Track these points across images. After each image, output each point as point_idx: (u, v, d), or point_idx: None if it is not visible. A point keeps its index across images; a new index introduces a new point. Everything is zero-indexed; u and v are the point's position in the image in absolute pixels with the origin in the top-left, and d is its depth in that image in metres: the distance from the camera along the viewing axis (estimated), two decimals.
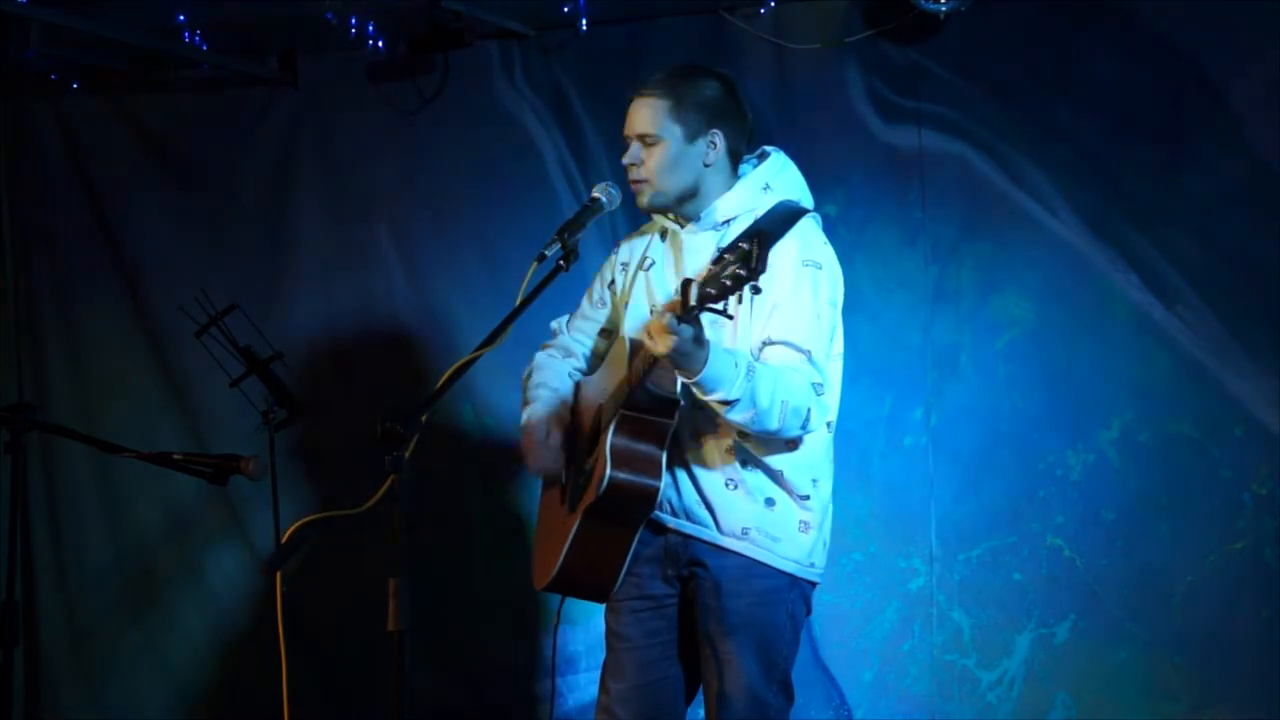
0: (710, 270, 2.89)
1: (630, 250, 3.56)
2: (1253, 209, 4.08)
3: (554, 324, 3.70)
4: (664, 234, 3.48)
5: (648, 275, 3.46)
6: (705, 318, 2.98)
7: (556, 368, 3.61)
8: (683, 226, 3.41)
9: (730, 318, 2.96)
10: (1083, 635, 4.22)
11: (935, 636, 4.36)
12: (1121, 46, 4.20)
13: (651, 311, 3.39)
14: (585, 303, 3.65)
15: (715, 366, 3.05)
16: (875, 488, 4.42)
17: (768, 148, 3.46)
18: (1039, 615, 4.26)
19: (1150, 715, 4.15)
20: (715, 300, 2.88)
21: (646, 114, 3.34)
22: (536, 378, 3.61)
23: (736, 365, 3.09)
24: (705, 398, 3.11)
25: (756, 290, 2.88)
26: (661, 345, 2.99)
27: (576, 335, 3.64)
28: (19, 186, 5.49)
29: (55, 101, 5.38)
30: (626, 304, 3.49)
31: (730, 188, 3.37)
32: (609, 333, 3.60)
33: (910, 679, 4.39)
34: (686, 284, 2.92)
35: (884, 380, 4.41)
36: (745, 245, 2.83)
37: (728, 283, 2.85)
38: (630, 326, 3.43)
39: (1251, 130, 4.07)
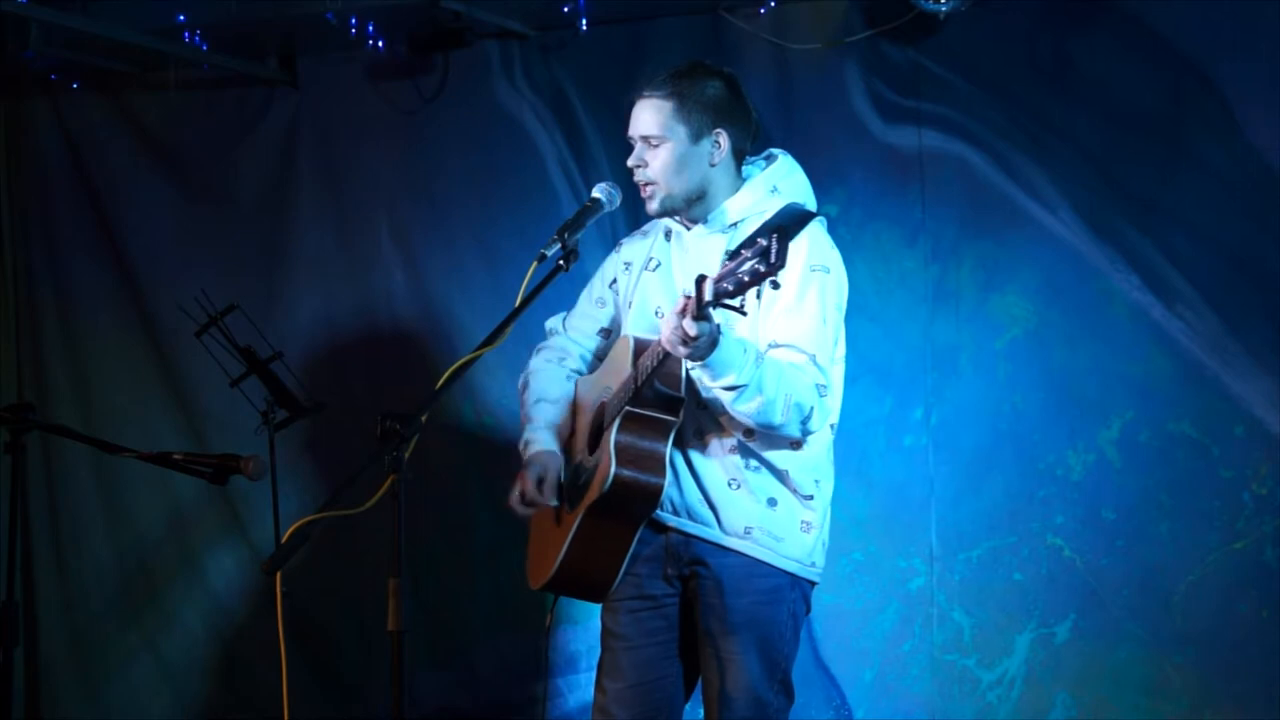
0: (726, 266, 2.90)
1: (634, 250, 3.55)
2: (1253, 209, 4.08)
3: (549, 323, 3.67)
4: (668, 235, 3.48)
5: (653, 276, 3.46)
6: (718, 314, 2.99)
7: (553, 374, 3.58)
8: (689, 228, 3.42)
9: (744, 314, 2.95)
10: (1083, 635, 4.23)
11: (935, 636, 4.36)
12: (1121, 46, 4.20)
13: (656, 313, 3.40)
14: (584, 302, 3.63)
15: (725, 351, 3.06)
16: (875, 488, 4.42)
17: (775, 150, 3.46)
18: (1039, 615, 4.27)
19: (1150, 715, 4.15)
20: (732, 296, 2.88)
21: (650, 115, 3.34)
22: (535, 388, 3.55)
23: (745, 351, 3.11)
24: (713, 383, 3.12)
25: (776, 285, 2.88)
26: (678, 342, 3.00)
27: (574, 335, 3.62)
28: (19, 186, 5.50)
29: (55, 101, 5.39)
30: (630, 304, 3.48)
31: (736, 189, 3.38)
32: (608, 332, 3.59)
33: (911, 679, 4.39)
34: (701, 280, 2.92)
35: (884, 380, 4.41)
36: (763, 241, 2.84)
37: (745, 278, 2.86)
38: (634, 326, 3.42)
39: (1251, 130, 4.07)
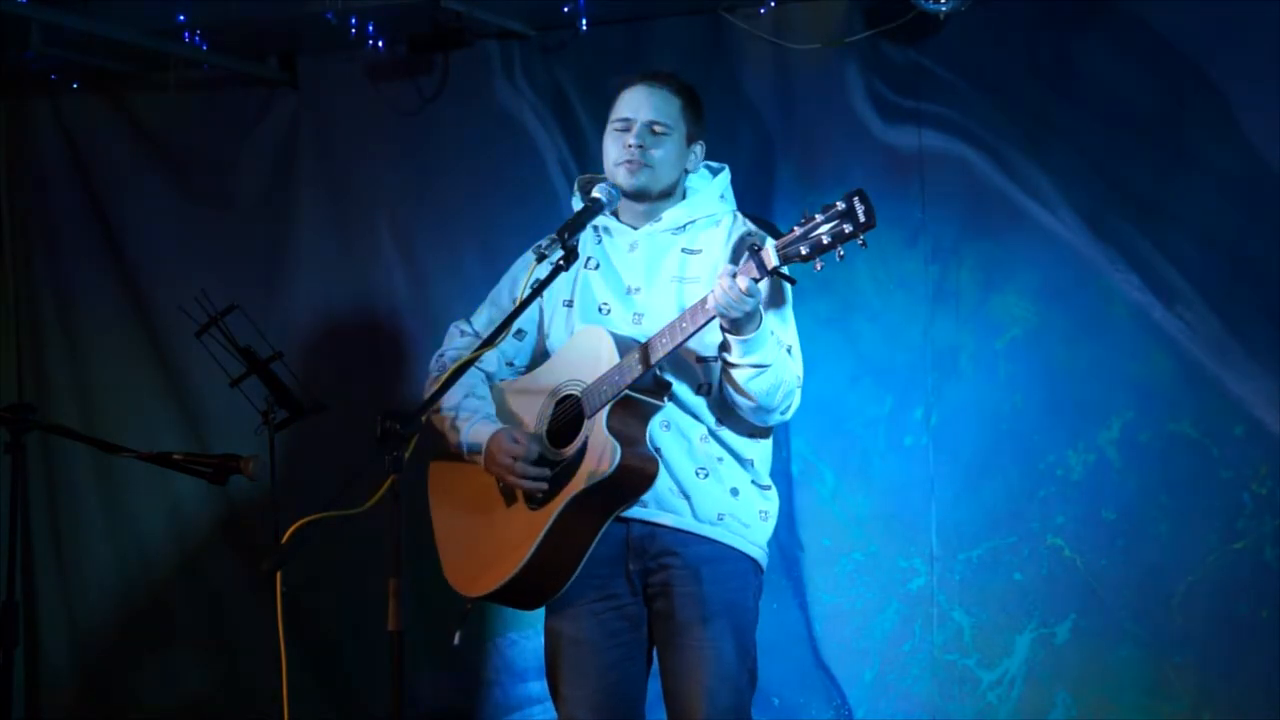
0: (795, 232, 3.01)
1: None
2: (1253, 209, 4.08)
3: (460, 326, 3.64)
4: (598, 235, 3.49)
5: (595, 274, 3.47)
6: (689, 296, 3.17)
7: (473, 374, 3.54)
8: (636, 228, 3.45)
9: (794, 281, 3.12)
10: (1083, 635, 4.23)
11: (936, 636, 4.36)
12: (1121, 46, 4.20)
13: (601, 310, 3.42)
14: (503, 301, 3.60)
15: (763, 330, 3.17)
16: (875, 488, 4.42)
17: (714, 163, 3.55)
18: (1039, 615, 4.27)
19: (1150, 715, 4.15)
20: (806, 259, 3.01)
21: (663, 104, 3.43)
22: (460, 384, 3.46)
23: (772, 333, 3.22)
24: (743, 359, 3.20)
25: (863, 245, 2.98)
26: (732, 302, 3.07)
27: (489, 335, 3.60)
28: (19, 186, 5.50)
29: (55, 101, 5.39)
30: (571, 302, 3.49)
31: (682, 196, 3.47)
32: (522, 334, 3.59)
33: (911, 679, 4.39)
34: (756, 247, 3.05)
35: (884, 380, 4.41)
36: (842, 204, 2.96)
37: (825, 240, 2.98)
38: (585, 322, 3.43)
39: (1251, 130, 4.07)
